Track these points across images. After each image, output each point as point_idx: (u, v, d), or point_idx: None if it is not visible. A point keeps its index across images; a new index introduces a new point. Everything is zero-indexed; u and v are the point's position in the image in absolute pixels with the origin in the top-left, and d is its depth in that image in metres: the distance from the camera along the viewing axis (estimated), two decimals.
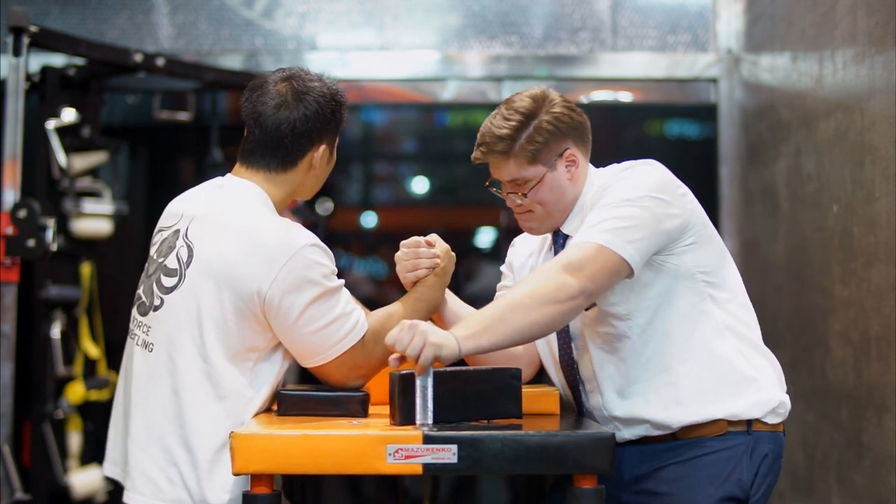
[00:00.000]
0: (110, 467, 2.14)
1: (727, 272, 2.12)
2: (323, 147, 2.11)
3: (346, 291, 2.05)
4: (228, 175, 2.13)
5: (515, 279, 2.28)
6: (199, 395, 1.98)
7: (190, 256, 2.02)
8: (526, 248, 2.29)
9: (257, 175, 2.10)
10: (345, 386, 2.06)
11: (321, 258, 2.00)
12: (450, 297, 2.23)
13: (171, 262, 2.04)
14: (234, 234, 2.00)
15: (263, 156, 2.09)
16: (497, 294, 2.31)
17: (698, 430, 2.04)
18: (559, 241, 2.15)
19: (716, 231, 2.13)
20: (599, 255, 1.94)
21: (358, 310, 2.05)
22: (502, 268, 2.37)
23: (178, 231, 2.07)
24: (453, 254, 2.21)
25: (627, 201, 1.98)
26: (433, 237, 2.20)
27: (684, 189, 2.08)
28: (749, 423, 2.05)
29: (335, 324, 1.99)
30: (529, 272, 2.20)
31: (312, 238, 2.01)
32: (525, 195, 2.10)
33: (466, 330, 1.86)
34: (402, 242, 2.19)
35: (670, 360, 2.05)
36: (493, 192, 2.17)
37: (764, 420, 2.06)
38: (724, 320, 2.07)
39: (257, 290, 1.96)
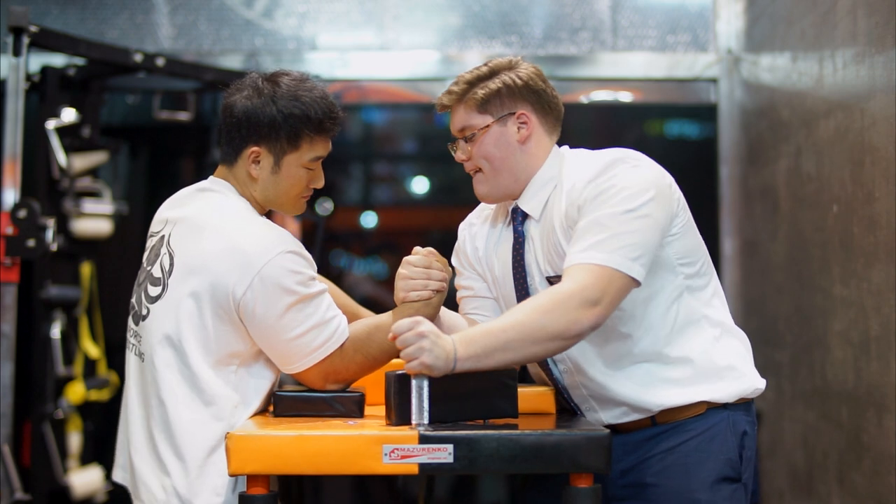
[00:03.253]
0: (119, 472, 2.15)
1: (702, 258, 2.11)
2: (258, 150, 2.05)
3: (326, 297, 2.01)
4: (211, 177, 2.13)
5: (482, 269, 2.20)
6: (183, 402, 1.98)
7: (171, 265, 2.01)
8: (481, 235, 2.21)
9: (223, 171, 2.10)
10: (331, 390, 2.04)
11: (297, 265, 1.97)
12: (443, 311, 2.18)
13: (156, 271, 2.05)
14: (210, 238, 1.99)
15: (223, 145, 2.10)
16: (459, 295, 2.25)
17: (677, 414, 2.05)
18: (518, 218, 2.12)
19: (691, 216, 2.10)
20: (613, 281, 1.90)
21: (339, 317, 2.02)
22: (455, 263, 2.26)
23: (163, 237, 2.07)
24: (450, 271, 2.15)
25: (630, 212, 1.94)
26: (434, 253, 2.13)
27: (669, 178, 2.07)
28: (725, 402, 2.07)
29: (312, 332, 1.97)
30: (497, 259, 2.16)
31: (289, 244, 1.98)
32: (467, 140, 2.08)
33: (468, 350, 1.83)
34: (408, 260, 2.10)
35: (651, 351, 2.05)
36: (450, 150, 2.15)
37: (740, 399, 2.09)
38: (701, 310, 2.08)
39: (232, 296, 1.95)
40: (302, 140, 2.06)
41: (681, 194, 2.08)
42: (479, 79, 2.09)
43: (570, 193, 2.03)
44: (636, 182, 1.98)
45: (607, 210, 1.95)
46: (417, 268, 2.08)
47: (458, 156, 2.13)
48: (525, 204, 2.10)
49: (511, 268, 2.13)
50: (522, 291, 2.12)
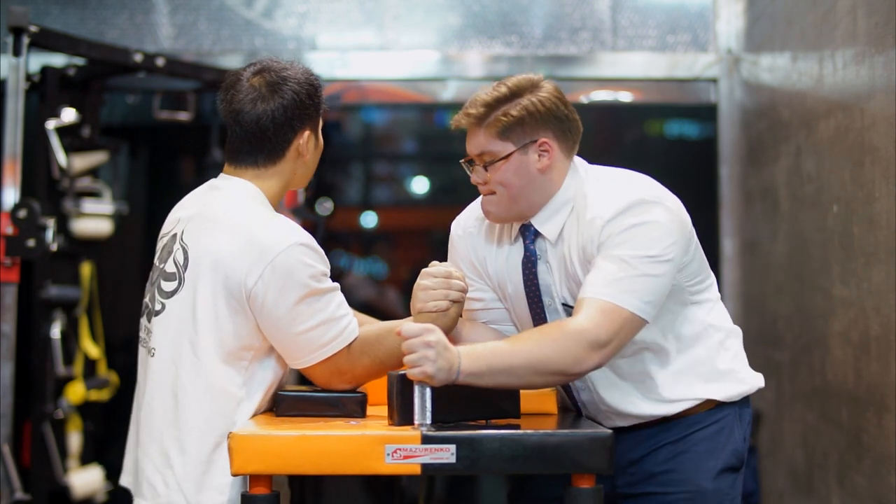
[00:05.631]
0: (123, 476, 2.15)
1: (704, 271, 2.13)
2: (307, 133, 2.10)
3: (338, 295, 2.02)
4: (221, 175, 2.13)
5: (493, 282, 2.15)
6: (193, 394, 1.98)
7: (186, 259, 2.02)
8: (487, 246, 2.15)
9: (247, 173, 2.09)
10: (338, 389, 2.04)
11: (310, 259, 1.98)
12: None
13: (170, 267, 2.05)
14: (224, 229, 2.00)
15: (249, 153, 2.08)
16: (467, 307, 2.16)
17: (688, 411, 2.10)
18: (529, 236, 2.08)
19: (695, 233, 2.10)
20: (626, 323, 1.91)
21: (349, 316, 2.03)
22: (465, 272, 2.17)
23: (175, 235, 2.08)
24: (467, 285, 2.10)
25: (652, 258, 1.93)
26: (458, 271, 2.08)
27: (683, 212, 2.05)
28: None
29: (321, 327, 1.98)
30: (508, 278, 2.11)
31: (303, 238, 1.99)
32: (486, 168, 2.04)
33: (472, 366, 1.84)
34: (427, 271, 2.06)
35: (659, 363, 2.09)
36: (464, 166, 2.11)
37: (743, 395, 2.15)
38: (706, 319, 2.11)
39: (244, 286, 1.96)
40: (321, 110, 2.15)
41: (688, 221, 2.07)
42: (499, 101, 2.02)
43: (589, 228, 2.00)
44: (660, 228, 1.96)
45: (630, 251, 1.94)
46: (438, 278, 2.05)
47: (475, 178, 2.08)
48: (541, 225, 2.07)
49: (524, 287, 2.10)
50: (538, 312, 2.09)
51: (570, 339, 1.88)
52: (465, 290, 2.06)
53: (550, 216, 2.06)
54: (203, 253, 2.00)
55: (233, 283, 1.96)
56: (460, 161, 2.12)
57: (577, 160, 2.13)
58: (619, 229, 1.95)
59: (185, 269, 2.02)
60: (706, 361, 2.10)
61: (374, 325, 2.09)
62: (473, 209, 2.21)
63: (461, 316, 2.10)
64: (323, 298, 1.98)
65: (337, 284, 2.04)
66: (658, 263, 1.94)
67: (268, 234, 1.97)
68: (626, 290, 1.91)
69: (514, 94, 2.03)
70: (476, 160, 2.07)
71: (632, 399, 2.09)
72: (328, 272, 2.02)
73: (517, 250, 2.11)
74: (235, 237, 1.98)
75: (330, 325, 1.99)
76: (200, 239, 2.02)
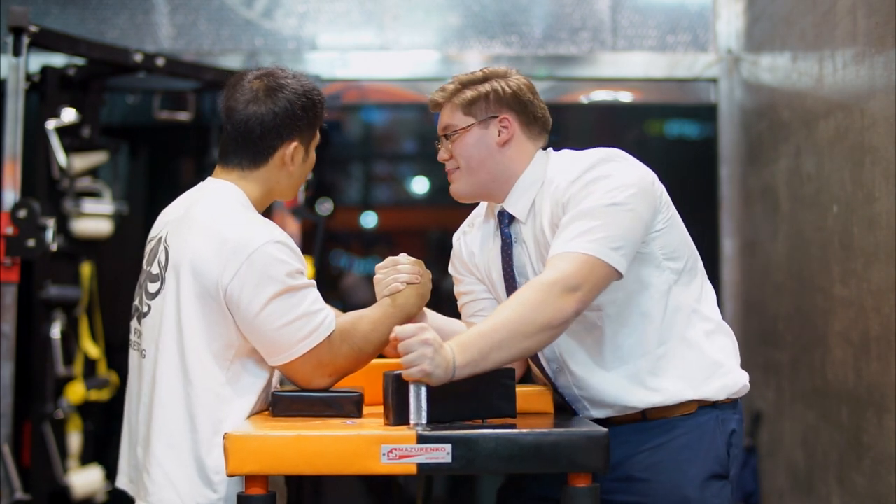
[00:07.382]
0: (119, 478, 2.17)
1: (688, 254, 2.13)
2: (295, 145, 2.12)
3: (313, 292, 2.03)
4: (209, 178, 2.16)
5: (481, 273, 2.23)
6: (178, 393, 1.99)
7: (167, 260, 2.05)
8: (475, 240, 2.25)
9: (232, 174, 2.12)
10: (319, 387, 2.05)
11: (284, 256, 1.99)
12: (430, 313, 2.21)
13: (154, 269, 2.08)
14: (201, 229, 2.02)
15: (236, 152, 2.11)
16: (460, 302, 2.29)
17: (668, 411, 2.07)
18: (505, 220, 2.15)
19: (677, 212, 2.12)
20: (594, 269, 1.93)
21: (326, 310, 2.04)
22: (452, 272, 2.32)
23: (160, 238, 2.11)
24: (429, 272, 2.19)
25: (614, 205, 1.97)
26: (406, 257, 2.18)
27: (652, 175, 2.09)
28: (715, 401, 2.09)
29: (298, 322, 1.99)
30: (492, 264, 2.18)
31: (278, 235, 2.01)
32: (447, 137, 2.13)
33: (464, 356, 1.85)
34: (377, 266, 2.18)
35: (640, 349, 2.07)
36: (436, 147, 2.19)
37: (728, 397, 2.11)
38: (691, 305, 2.10)
39: (220, 284, 1.97)
40: (316, 125, 2.17)
41: (664, 191, 2.11)
42: (472, 82, 2.15)
43: (555, 193, 2.06)
44: (620, 177, 2.01)
45: (591, 203, 1.98)
46: (386, 268, 2.16)
47: (441, 155, 2.17)
48: (511, 206, 2.14)
49: (501, 270, 2.16)
50: (513, 292, 2.12)
51: (543, 292, 1.91)
52: (417, 273, 2.15)
53: (519, 196, 2.13)
54: (181, 254, 2.02)
55: (209, 283, 1.98)
56: (434, 143, 2.20)
57: (549, 150, 2.19)
58: (580, 186, 2.01)
59: (166, 269, 2.04)
60: (688, 348, 2.07)
61: (345, 315, 2.11)
62: (472, 214, 2.31)
63: (425, 299, 2.17)
64: (298, 294, 1.99)
65: (313, 282, 2.05)
66: (621, 212, 1.97)
67: (242, 232, 1.99)
68: (590, 240, 1.94)
69: (486, 77, 2.16)
70: (441, 135, 2.17)
71: (602, 383, 2.07)
72: (304, 270, 2.04)
73: (497, 238, 2.18)
74: (210, 237, 1.99)
75: (308, 319, 2.00)
76: (179, 240, 2.04)
